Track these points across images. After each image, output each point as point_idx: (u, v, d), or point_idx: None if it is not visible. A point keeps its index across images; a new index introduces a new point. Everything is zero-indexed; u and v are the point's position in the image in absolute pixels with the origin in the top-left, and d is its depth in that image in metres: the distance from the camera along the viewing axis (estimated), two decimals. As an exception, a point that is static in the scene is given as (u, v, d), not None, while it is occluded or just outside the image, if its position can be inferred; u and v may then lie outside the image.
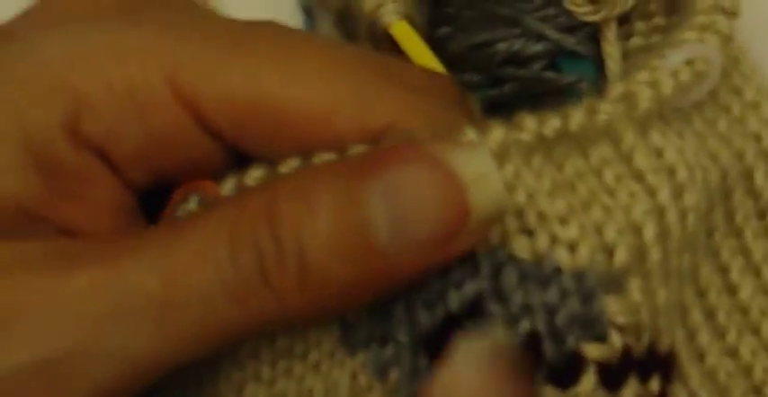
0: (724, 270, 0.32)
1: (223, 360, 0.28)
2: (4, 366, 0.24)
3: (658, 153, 0.28)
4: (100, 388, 0.25)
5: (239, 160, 0.28)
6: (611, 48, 0.34)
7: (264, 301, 0.25)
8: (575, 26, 0.35)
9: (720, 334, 0.31)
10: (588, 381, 0.25)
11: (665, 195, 0.27)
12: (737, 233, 0.32)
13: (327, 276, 0.24)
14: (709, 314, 0.31)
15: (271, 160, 0.27)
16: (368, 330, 0.26)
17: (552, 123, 0.26)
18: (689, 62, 0.29)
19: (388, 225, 0.24)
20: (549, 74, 0.35)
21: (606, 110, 0.27)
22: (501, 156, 0.26)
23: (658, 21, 0.34)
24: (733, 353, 0.31)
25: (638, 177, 0.27)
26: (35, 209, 0.27)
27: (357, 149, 0.26)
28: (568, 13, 0.35)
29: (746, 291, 0.31)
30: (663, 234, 0.27)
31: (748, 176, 0.32)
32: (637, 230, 0.26)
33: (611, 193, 0.27)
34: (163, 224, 0.27)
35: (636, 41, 0.34)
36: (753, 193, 0.32)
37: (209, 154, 0.28)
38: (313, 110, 0.27)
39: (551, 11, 0.35)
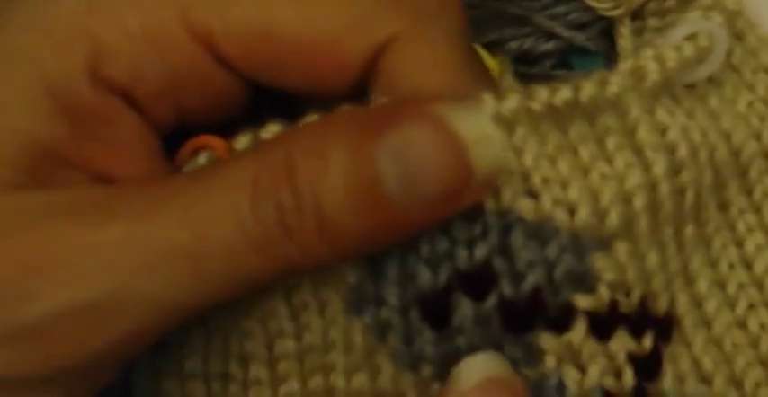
0: (740, 244, 0.32)
1: (239, 317, 0.29)
2: (45, 309, 0.26)
3: (662, 130, 0.29)
4: (134, 330, 0.27)
5: (257, 94, 0.30)
6: (627, 43, 0.35)
7: (286, 250, 0.26)
8: (585, 23, 0.36)
9: (730, 305, 0.31)
10: (579, 328, 0.27)
11: (659, 170, 0.28)
12: (756, 209, 0.33)
13: (343, 227, 0.26)
14: (720, 285, 0.31)
15: (287, 113, 0.28)
16: (367, 291, 0.28)
17: (563, 94, 0.28)
18: (691, 36, 0.30)
19: (397, 181, 0.26)
20: (560, 72, 0.36)
21: (616, 81, 0.28)
22: (513, 122, 0.27)
23: (672, 17, 0.35)
24: (741, 324, 0.31)
25: (638, 150, 0.28)
26: (64, 154, 0.28)
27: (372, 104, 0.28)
28: (578, 10, 0.36)
29: (762, 265, 0.32)
30: (654, 206, 0.28)
31: (766, 156, 0.33)
32: (628, 199, 0.28)
33: (609, 161, 0.28)
34: (186, 175, 0.28)
35: (648, 37, 0.35)
36: (772, 172, 0.33)
37: (227, 88, 0.29)
38: (322, 34, 0.28)
39: (561, 8, 0.36)
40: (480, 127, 0.26)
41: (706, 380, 0.30)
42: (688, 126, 0.29)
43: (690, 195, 0.29)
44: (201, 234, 0.26)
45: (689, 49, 0.30)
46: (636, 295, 0.28)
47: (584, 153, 0.28)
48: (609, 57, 0.36)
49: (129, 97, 0.28)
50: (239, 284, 0.27)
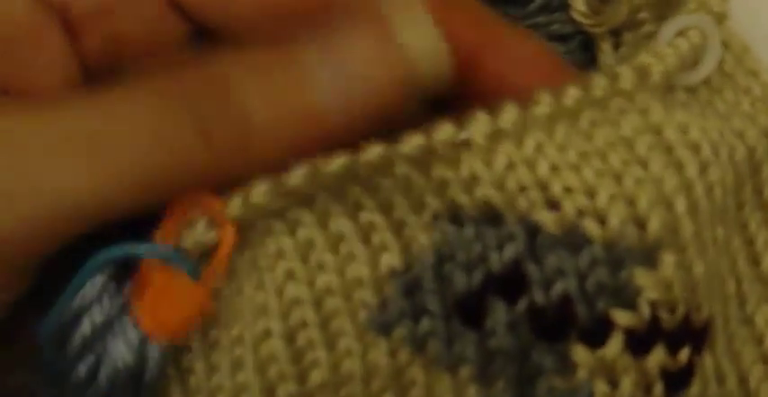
0: (750, 242, 0.32)
1: (229, 372, 0.28)
2: None
3: (684, 129, 0.28)
4: (31, 224, 0.25)
5: (199, 33, 0.28)
6: (609, 59, 0.35)
7: (200, 155, 0.25)
8: (566, 35, 0.36)
9: (743, 303, 0.32)
10: (615, 344, 0.26)
11: (692, 170, 0.28)
12: (764, 207, 0.33)
13: (269, 135, 0.26)
14: (738, 284, 0.31)
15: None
16: (398, 307, 0.27)
17: (572, 92, 0.27)
18: (682, 32, 0.30)
19: (330, 86, 0.25)
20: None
21: (626, 75, 0.28)
22: (517, 134, 0.26)
23: (648, 28, 0.34)
24: (749, 321, 0.31)
25: (668, 150, 0.28)
26: None
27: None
28: (561, 22, 0.35)
29: None
30: (693, 209, 0.28)
31: None
32: (668, 203, 0.27)
33: (643, 164, 0.27)
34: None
35: (625, 52, 0.35)
36: (781, 168, 0.33)
37: (167, 24, 0.28)
38: None
39: (542, 18, 0.36)
40: (424, 36, 0.26)
41: (721, 381, 0.30)
42: (705, 125, 0.29)
43: (718, 194, 0.28)
44: (105, 126, 0.25)
45: (683, 45, 0.29)
46: (681, 311, 0.27)
47: (614, 158, 0.27)
48: (588, 70, 0.35)
49: (62, 12, 0.27)
50: (137, 175, 0.26)
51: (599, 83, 0.27)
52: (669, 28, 0.30)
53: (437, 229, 0.27)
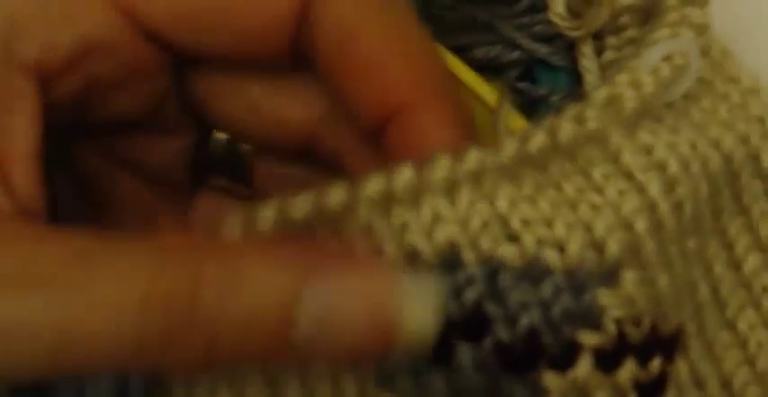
0: (730, 247, 0.32)
1: None
2: None
3: (647, 150, 0.28)
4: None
5: (176, 65, 0.29)
6: (590, 63, 0.34)
7: (157, 358, 0.24)
8: (550, 36, 0.35)
9: (722, 307, 0.32)
10: (584, 365, 0.26)
11: (654, 190, 0.27)
12: (744, 212, 0.32)
13: (234, 350, 0.24)
14: (714, 289, 0.32)
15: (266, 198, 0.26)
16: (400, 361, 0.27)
17: (537, 140, 0.27)
18: (667, 58, 0.29)
19: (309, 325, 0.24)
20: (523, 85, 0.36)
21: (593, 117, 0.27)
22: (478, 174, 0.26)
23: (630, 33, 0.34)
24: (731, 326, 0.32)
25: (627, 175, 0.28)
26: None
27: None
28: (546, 23, 0.35)
29: (750, 266, 0.32)
30: (656, 227, 0.28)
31: (754, 157, 0.33)
32: (628, 225, 0.27)
33: (599, 191, 0.27)
34: (74, 247, 0.25)
35: (609, 55, 0.34)
36: (760, 174, 0.33)
37: (145, 57, 0.28)
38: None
39: (527, 19, 0.35)
40: (421, 316, 0.25)
41: (700, 385, 0.30)
42: (674, 141, 0.28)
43: (688, 209, 0.28)
44: (72, 323, 0.24)
45: (665, 71, 0.29)
46: (646, 323, 0.27)
47: (569, 187, 0.27)
48: (572, 72, 0.35)
49: (37, 69, 0.27)
50: (94, 371, 0.25)
51: (565, 132, 0.27)
52: (654, 51, 0.29)
53: None
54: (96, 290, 0.24)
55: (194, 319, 0.24)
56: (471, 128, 0.29)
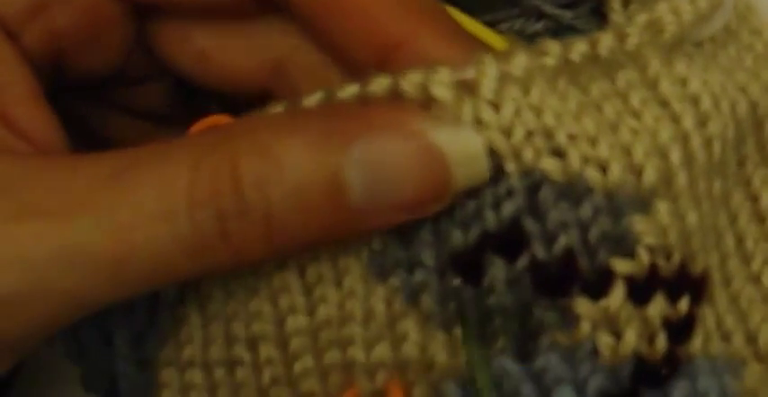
0: (755, 199, 0.32)
1: (244, 299, 0.28)
2: None
3: (683, 82, 0.28)
4: (44, 322, 0.25)
5: (138, 15, 0.28)
6: (619, 18, 0.34)
7: (220, 255, 0.25)
8: (574, 2, 0.35)
9: (747, 260, 0.31)
10: (617, 294, 0.26)
11: (688, 122, 0.27)
12: None
13: (293, 230, 0.25)
14: (739, 240, 0.31)
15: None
16: (395, 256, 0.27)
17: (579, 48, 0.27)
18: None
19: (362, 188, 0.24)
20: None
21: (635, 34, 0.27)
22: (526, 81, 0.26)
23: None
24: (756, 280, 0.31)
25: (663, 103, 0.27)
26: None
27: (343, 93, 0.26)
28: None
29: None
30: (688, 160, 0.27)
31: None
32: (663, 154, 0.27)
33: (636, 116, 0.27)
34: (109, 167, 0.25)
35: (635, 8, 0.34)
36: (783, 126, 0.33)
37: (104, 6, 0.28)
38: None
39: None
40: (464, 143, 0.25)
41: (726, 338, 0.30)
42: (707, 78, 0.28)
43: (716, 148, 0.28)
44: (126, 240, 0.24)
45: (703, 1, 0.29)
46: (676, 258, 0.27)
47: (609, 109, 0.27)
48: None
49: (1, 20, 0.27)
50: (162, 283, 0.26)
51: (606, 43, 0.27)
52: None
53: None
54: (139, 203, 0.24)
55: (244, 209, 0.24)
56: (478, 45, 0.28)
